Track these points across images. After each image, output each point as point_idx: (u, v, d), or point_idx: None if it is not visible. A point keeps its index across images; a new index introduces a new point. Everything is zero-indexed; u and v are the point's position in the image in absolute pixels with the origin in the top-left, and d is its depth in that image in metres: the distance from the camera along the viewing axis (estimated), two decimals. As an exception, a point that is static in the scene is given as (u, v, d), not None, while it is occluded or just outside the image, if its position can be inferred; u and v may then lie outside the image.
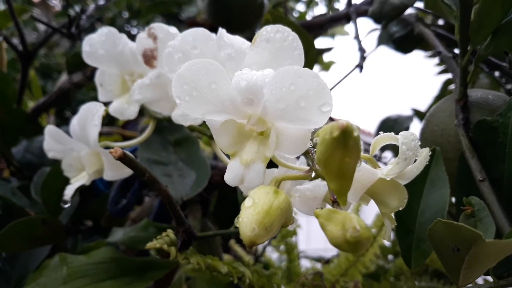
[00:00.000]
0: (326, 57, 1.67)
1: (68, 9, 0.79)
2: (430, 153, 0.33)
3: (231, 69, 0.36)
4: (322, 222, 0.23)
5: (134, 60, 0.45)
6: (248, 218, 0.25)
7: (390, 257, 1.05)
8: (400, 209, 0.32)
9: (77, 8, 1.16)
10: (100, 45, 0.46)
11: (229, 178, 0.31)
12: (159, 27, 0.42)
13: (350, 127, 0.21)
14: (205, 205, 0.67)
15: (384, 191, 0.31)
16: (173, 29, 0.42)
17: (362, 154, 0.33)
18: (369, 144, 0.35)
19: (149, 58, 0.42)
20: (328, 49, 1.20)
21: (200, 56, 0.36)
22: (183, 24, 1.60)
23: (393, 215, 0.34)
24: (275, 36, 0.35)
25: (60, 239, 0.58)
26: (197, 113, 0.31)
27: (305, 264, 1.13)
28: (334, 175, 0.23)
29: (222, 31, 0.36)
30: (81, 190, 0.72)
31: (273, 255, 1.17)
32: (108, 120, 1.14)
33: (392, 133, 0.31)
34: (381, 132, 0.33)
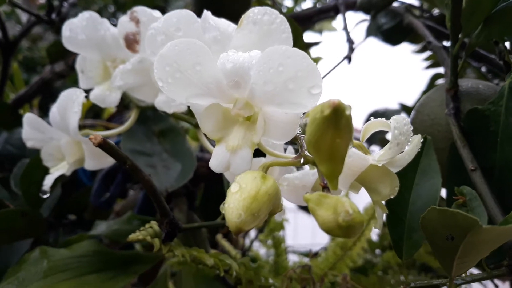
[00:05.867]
0: (313, 53, 1.66)
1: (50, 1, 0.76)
2: (421, 140, 0.32)
3: (217, 52, 0.34)
4: (312, 207, 0.22)
5: (116, 45, 0.43)
6: (234, 204, 0.24)
7: (377, 251, 1.05)
8: (392, 197, 0.31)
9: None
10: (81, 29, 0.44)
11: (214, 164, 0.29)
12: (142, 10, 0.40)
13: (342, 106, 0.20)
14: (191, 198, 0.65)
15: (375, 178, 0.30)
16: (156, 13, 0.41)
17: (353, 140, 0.32)
18: (357, 139, 0.34)
19: (131, 42, 0.40)
20: (316, 43, 1.19)
21: (184, 38, 0.34)
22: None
23: (384, 203, 0.33)
24: (263, 18, 0.33)
25: (41, 233, 0.56)
26: (180, 96, 0.30)
27: (292, 258, 1.12)
28: (325, 158, 0.22)
29: (207, 13, 0.35)
30: (63, 183, 0.70)
31: (260, 250, 1.16)
32: (93, 113, 1.12)
33: (383, 119, 0.30)
34: (371, 118, 0.32)
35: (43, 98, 1.06)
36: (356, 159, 0.29)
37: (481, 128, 0.42)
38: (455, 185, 0.39)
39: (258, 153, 0.41)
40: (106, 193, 0.64)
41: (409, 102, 1.04)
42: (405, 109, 1.08)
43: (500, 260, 0.36)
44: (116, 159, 0.34)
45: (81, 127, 0.76)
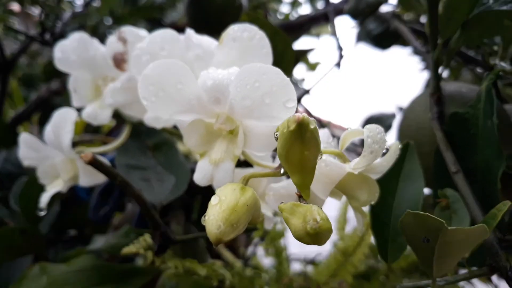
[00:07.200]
0: (312, 58, 1.68)
1: (45, 18, 0.78)
2: (400, 146, 0.33)
3: (200, 69, 0.36)
4: (286, 216, 0.23)
5: (106, 64, 0.45)
6: (214, 216, 0.25)
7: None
8: (372, 203, 0.32)
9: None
10: (72, 51, 0.45)
11: (198, 177, 0.30)
12: (129, 31, 0.42)
13: (307, 120, 0.21)
14: (188, 210, 0.66)
15: (353, 185, 0.31)
16: (143, 32, 0.42)
17: (332, 149, 0.33)
18: (352, 143, 0.35)
19: (119, 62, 0.42)
20: (311, 50, 1.20)
21: (168, 57, 0.36)
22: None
23: (366, 209, 0.34)
24: (242, 35, 0.35)
25: (41, 249, 0.57)
26: (164, 113, 0.31)
27: (297, 267, 1.12)
28: (295, 169, 0.23)
29: (190, 31, 0.36)
30: (62, 199, 0.71)
31: (265, 260, 1.17)
32: (94, 128, 1.14)
33: (359, 127, 0.31)
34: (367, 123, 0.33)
35: (43, 114, 1.08)
36: (333, 168, 0.30)
37: (462, 131, 0.43)
38: (440, 188, 0.40)
39: (247, 164, 0.42)
40: (104, 207, 0.66)
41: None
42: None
43: (484, 260, 0.37)
44: (107, 175, 0.35)
45: (79, 142, 0.78)
